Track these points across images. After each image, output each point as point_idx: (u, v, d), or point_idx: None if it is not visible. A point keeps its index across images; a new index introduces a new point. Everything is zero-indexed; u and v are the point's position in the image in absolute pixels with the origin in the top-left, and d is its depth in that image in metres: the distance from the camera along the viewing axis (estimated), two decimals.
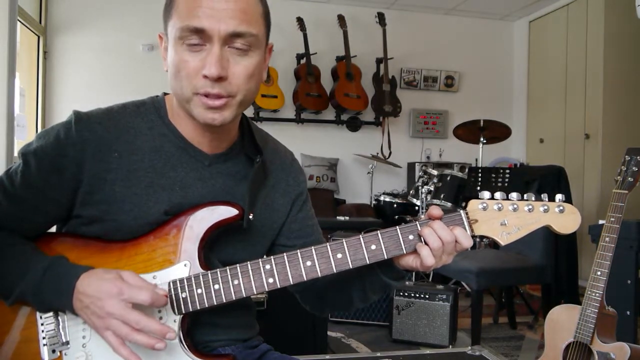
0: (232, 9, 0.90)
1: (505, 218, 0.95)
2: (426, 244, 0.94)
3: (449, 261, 0.96)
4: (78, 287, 0.90)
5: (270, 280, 0.95)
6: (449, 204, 3.83)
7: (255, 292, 0.95)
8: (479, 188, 3.48)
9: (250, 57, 0.94)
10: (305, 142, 4.97)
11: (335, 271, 0.95)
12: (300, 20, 4.80)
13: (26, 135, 2.51)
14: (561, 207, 0.95)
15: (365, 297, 1.10)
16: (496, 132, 4.10)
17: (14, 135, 2.18)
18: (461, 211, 0.96)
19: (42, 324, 0.95)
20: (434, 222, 0.94)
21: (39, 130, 3.40)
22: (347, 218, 3.94)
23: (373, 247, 0.95)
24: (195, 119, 0.97)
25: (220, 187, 1.04)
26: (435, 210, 0.96)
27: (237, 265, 0.96)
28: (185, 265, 0.96)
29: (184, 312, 0.95)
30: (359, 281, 1.08)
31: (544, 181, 3.33)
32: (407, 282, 3.02)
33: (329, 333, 2.68)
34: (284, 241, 1.13)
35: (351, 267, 0.95)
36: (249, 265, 0.95)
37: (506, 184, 3.47)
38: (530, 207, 0.95)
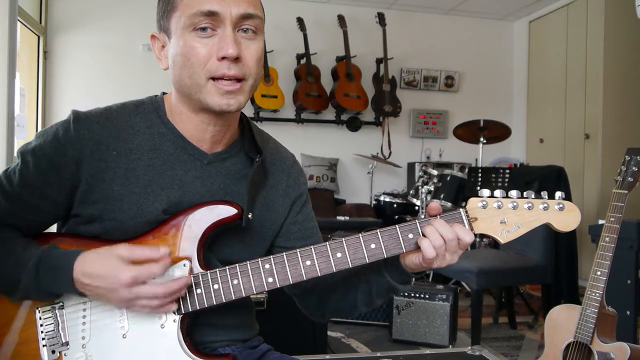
0: None
1: (505, 216, 0.95)
2: None
3: (454, 260, 0.96)
4: (76, 277, 0.90)
5: (270, 279, 0.95)
6: (449, 204, 3.83)
7: (254, 292, 0.95)
8: (479, 188, 3.47)
9: (258, 41, 0.96)
10: (305, 142, 4.96)
11: (334, 270, 0.95)
12: (300, 20, 4.80)
13: (26, 135, 2.51)
14: (561, 205, 0.95)
15: (370, 301, 1.10)
16: (496, 132, 4.10)
17: (14, 135, 2.18)
18: (461, 209, 0.96)
19: (41, 325, 0.95)
20: (434, 221, 0.94)
21: (39, 130, 3.40)
22: (347, 218, 3.94)
23: (373, 246, 0.95)
24: (200, 111, 0.98)
25: (219, 186, 1.03)
26: (434, 205, 0.97)
27: (237, 265, 0.96)
28: (184, 265, 0.96)
29: (183, 312, 0.95)
30: (365, 284, 1.07)
31: (544, 181, 3.34)
32: None
33: (329, 333, 2.67)
34: (283, 243, 1.13)
35: (351, 266, 0.95)
36: (248, 264, 0.95)
37: (506, 184, 3.47)
38: (529, 204, 0.95)
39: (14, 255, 0.94)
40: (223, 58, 0.91)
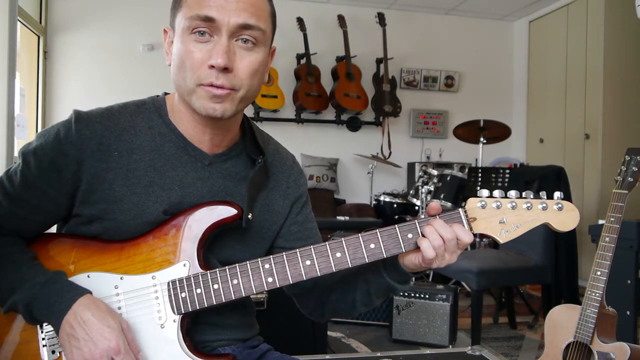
0: (243, 1, 0.91)
1: (503, 216, 0.95)
2: None
3: (453, 260, 0.96)
4: (71, 314, 0.90)
5: (270, 279, 0.95)
6: (449, 204, 3.83)
7: (254, 292, 0.96)
8: (479, 188, 3.45)
9: (255, 53, 0.95)
10: (305, 142, 4.97)
11: (334, 270, 0.95)
12: (300, 20, 4.80)
13: (26, 135, 2.51)
14: (560, 205, 0.95)
15: (369, 301, 1.09)
16: (496, 132, 4.10)
17: (14, 135, 2.18)
18: (460, 209, 0.96)
19: (41, 325, 0.95)
20: (434, 221, 0.94)
21: (39, 130, 3.40)
22: (347, 218, 3.94)
23: (372, 245, 0.95)
24: (196, 113, 0.97)
25: (219, 187, 1.03)
26: (434, 205, 0.97)
27: (237, 265, 0.96)
28: (184, 265, 0.96)
29: (183, 312, 0.95)
30: (364, 284, 1.07)
31: (544, 181, 3.33)
32: None
33: (329, 333, 2.67)
34: (283, 243, 1.13)
35: (350, 266, 0.95)
36: (248, 264, 0.95)
37: (506, 184, 3.47)
38: (528, 205, 0.95)
39: (15, 270, 0.94)
40: (212, 66, 0.91)
